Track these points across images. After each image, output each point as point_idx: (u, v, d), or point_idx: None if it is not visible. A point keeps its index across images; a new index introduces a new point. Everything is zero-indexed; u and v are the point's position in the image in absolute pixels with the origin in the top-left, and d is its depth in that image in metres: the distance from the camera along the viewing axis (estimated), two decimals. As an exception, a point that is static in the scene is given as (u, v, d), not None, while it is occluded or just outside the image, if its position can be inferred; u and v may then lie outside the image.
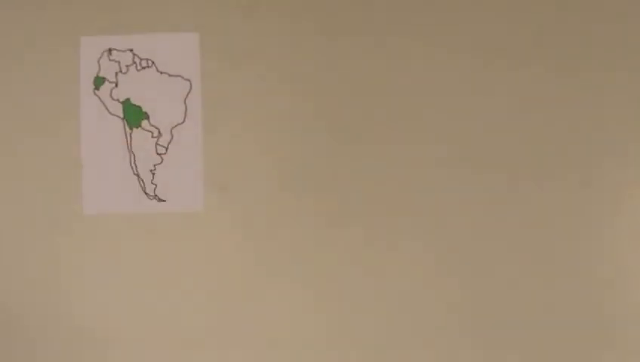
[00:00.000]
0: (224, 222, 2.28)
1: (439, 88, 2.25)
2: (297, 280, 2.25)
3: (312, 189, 2.26)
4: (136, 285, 2.28)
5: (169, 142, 2.29)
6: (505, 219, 2.23)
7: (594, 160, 2.23)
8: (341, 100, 2.27)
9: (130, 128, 2.30)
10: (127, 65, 2.30)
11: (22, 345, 2.29)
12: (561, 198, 2.22)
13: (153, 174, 2.29)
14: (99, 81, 2.31)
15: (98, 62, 2.31)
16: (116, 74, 2.30)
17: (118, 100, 2.30)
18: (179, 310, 2.27)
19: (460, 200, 2.23)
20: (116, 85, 2.30)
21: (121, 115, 2.30)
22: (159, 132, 2.29)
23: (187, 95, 2.30)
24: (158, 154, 2.29)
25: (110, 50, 2.31)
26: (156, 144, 2.29)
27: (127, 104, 2.30)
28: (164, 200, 2.29)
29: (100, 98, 2.30)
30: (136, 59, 2.30)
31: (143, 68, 2.30)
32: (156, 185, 2.29)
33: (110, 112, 2.30)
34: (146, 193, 2.29)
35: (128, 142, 2.30)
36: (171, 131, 2.29)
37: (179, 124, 2.29)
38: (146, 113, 2.30)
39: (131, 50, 2.30)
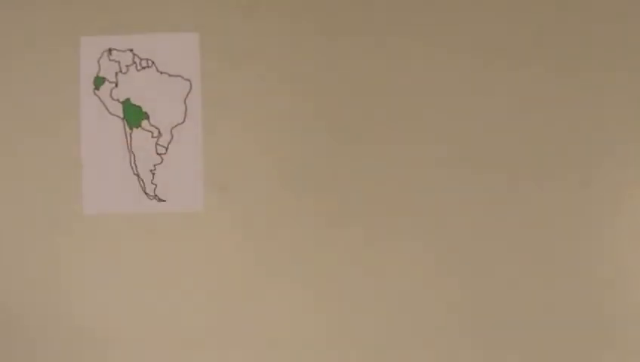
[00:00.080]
0: (224, 222, 2.28)
1: (439, 88, 2.25)
2: (297, 280, 2.25)
3: (312, 189, 2.26)
4: (136, 285, 2.28)
5: (169, 142, 2.29)
6: (505, 219, 2.23)
7: (594, 160, 2.23)
8: (341, 100, 2.27)
9: (130, 128, 2.30)
10: (127, 65, 2.30)
11: (22, 345, 2.29)
12: (561, 198, 2.22)
13: (153, 174, 2.29)
14: (99, 81, 2.31)
15: (98, 62, 2.31)
16: (116, 74, 2.30)
17: (118, 100, 2.30)
18: (179, 310, 2.27)
19: (459, 200, 2.23)
20: (116, 85, 2.30)
21: (121, 115, 2.30)
22: (159, 132, 2.29)
23: (187, 95, 2.30)
24: (158, 154, 2.29)
25: (110, 50, 2.31)
26: (156, 144, 2.29)
27: (127, 104, 2.30)
28: (164, 200, 2.29)
29: (99, 98, 2.30)
30: (136, 59, 2.30)
31: (143, 68, 2.30)
32: (156, 185, 2.29)
33: (110, 112, 2.30)
34: (146, 193, 2.29)
35: (128, 142, 2.30)
36: (171, 131, 2.29)
37: (179, 124, 2.29)
38: (146, 113, 2.30)
39: (131, 50, 2.30)
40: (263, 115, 2.28)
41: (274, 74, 2.28)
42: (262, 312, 2.25)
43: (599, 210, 2.22)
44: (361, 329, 2.24)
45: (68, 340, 2.28)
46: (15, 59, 2.32)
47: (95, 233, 2.29)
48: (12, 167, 2.31)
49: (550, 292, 2.21)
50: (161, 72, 2.30)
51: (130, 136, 2.29)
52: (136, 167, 2.29)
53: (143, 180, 2.29)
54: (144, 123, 2.29)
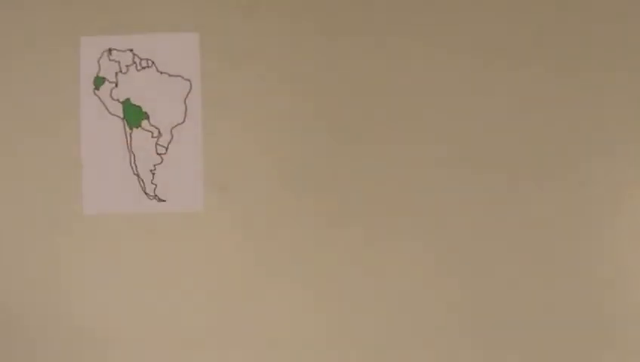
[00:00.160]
0: (224, 222, 2.28)
1: (439, 88, 2.25)
2: (297, 280, 2.25)
3: (312, 189, 2.26)
4: (136, 285, 2.28)
5: (169, 142, 2.29)
6: (505, 219, 2.23)
7: (594, 160, 2.23)
8: (341, 100, 2.27)
9: (130, 128, 2.30)
10: (127, 65, 2.30)
11: (22, 345, 2.29)
12: (561, 198, 2.22)
13: (153, 174, 2.29)
14: (99, 81, 2.31)
15: (98, 62, 2.31)
16: (116, 74, 2.30)
17: (118, 100, 2.30)
18: (179, 310, 2.27)
19: (460, 200, 2.23)
20: (116, 85, 2.30)
21: (121, 115, 2.30)
22: (159, 132, 2.29)
23: (187, 95, 2.30)
24: (158, 154, 2.29)
25: (110, 50, 2.31)
26: (156, 144, 2.29)
27: (127, 104, 2.30)
28: (164, 200, 2.29)
29: (100, 98, 2.30)
30: (136, 59, 2.30)
31: (143, 68, 2.30)
32: (156, 185, 2.29)
33: (110, 112, 2.30)
34: (146, 193, 2.29)
35: (128, 142, 2.30)
36: (171, 131, 2.29)
37: (179, 124, 2.29)
38: (146, 113, 2.30)
39: (131, 50, 2.30)
40: (263, 115, 2.28)
41: (274, 74, 2.28)
42: (262, 312, 2.25)
43: (599, 210, 2.22)
44: (361, 329, 2.24)
45: (68, 340, 2.28)
46: (15, 59, 2.32)
47: (95, 233, 2.29)
48: (12, 167, 2.31)
49: (550, 292, 2.21)
50: (161, 72, 2.30)
51: (130, 136, 2.29)
52: (136, 167, 2.29)
53: (143, 180, 2.29)
54: (144, 123, 2.29)
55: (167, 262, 2.27)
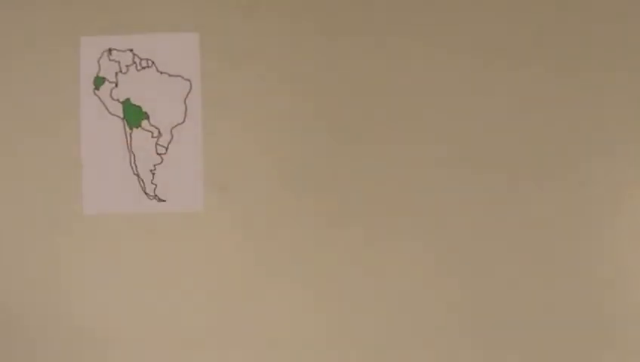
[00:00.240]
0: (224, 222, 2.28)
1: (439, 88, 2.25)
2: (297, 280, 2.25)
3: (312, 189, 2.26)
4: (136, 285, 2.28)
5: (169, 142, 2.29)
6: (505, 219, 2.23)
7: (594, 160, 2.23)
8: (341, 100, 2.27)
9: (130, 128, 2.30)
10: (127, 65, 2.30)
11: (22, 345, 2.29)
12: (561, 198, 2.22)
13: (153, 174, 2.29)
14: (99, 81, 2.31)
15: (98, 62, 2.31)
16: (116, 74, 2.30)
17: (118, 100, 2.30)
18: (179, 310, 2.27)
19: (460, 200, 2.23)
20: (116, 85, 2.30)
21: (121, 115, 2.30)
22: (159, 132, 2.29)
23: (187, 95, 2.30)
24: (158, 154, 2.29)
25: (110, 50, 2.31)
26: (156, 144, 2.29)
27: (127, 104, 2.30)
28: (164, 200, 2.29)
29: (100, 98, 2.30)
30: (136, 59, 2.30)
31: (143, 68, 2.30)
32: (156, 185, 2.29)
33: (110, 112, 2.30)
34: (146, 193, 2.29)
35: (128, 142, 2.30)
36: (171, 131, 2.29)
37: (179, 124, 2.29)
38: (146, 113, 2.30)
39: (131, 50, 2.30)
40: (263, 115, 2.28)
41: (274, 74, 2.28)
42: (262, 312, 2.25)
43: (599, 210, 2.22)
44: (361, 329, 2.24)
45: (68, 340, 2.28)
46: (15, 59, 2.32)
47: (95, 233, 2.29)
48: (12, 167, 2.31)
49: (550, 292, 2.21)
50: (161, 72, 2.30)
51: (130, 136, 2.29)
52: (136, 167, 2.29)
53: (143, 180, 2.29)
54: (144, 123, 2.29)
55: (167, 262, 2.27)
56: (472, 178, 2.23)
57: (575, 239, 2.22)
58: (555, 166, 2.23)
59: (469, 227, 2.23)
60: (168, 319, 2.27)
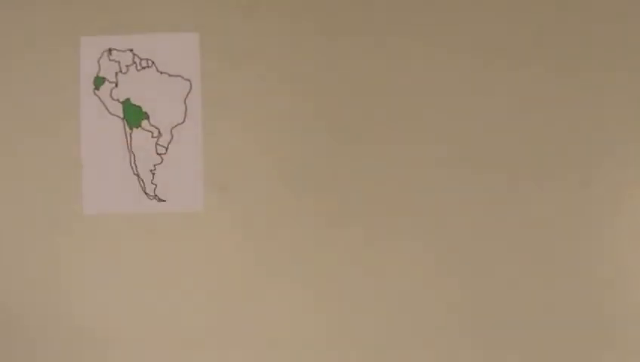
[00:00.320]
0: (224, 222, 2.28)
1: (439, 88, 2.25)
2: (297, 280, 2.25)
3: (312, 189, 2.26)
4: (136, 285, 2.28)
5: (169, 142, 2.29)
6: (505, 219, 2.23)
7: (594, 160, 2.23)
8: (341, 100, 2.27)
9: (130, 128, 2.30)
10: (127, 65, 2.30)
11: (22, 345, 2.29)
12: (561, 198, 2.22)
13: (153, 174, 2.29)
14: (99, 81, 2.31)
15: (98, 62, 2.31)
16: (116, 74, 2.30)
17: (118, 100, 2.30)
18: (179, 310, 2.27)
19: (460, 200, 2.23)
20: (116, 85, 2.30)
21: (121, 115, 2.30)
22: (159, 132, 2.29)
23: (187, 95, 2.30)
24: (158, 154, 2.29)
25: (110, 50, 2.31)
26: (156, 144, 2.29)
27: (127, 104, 2.30)
28: (164, 200, 2.29)
29: (100, 98, 2.30)
30: (136, 59, 2.30)
31: (143, 68, 2.30)
32: (156, 185, 2.29)
33: (110, 112, 2.30)
34: (146, 193, 2.29)
35: (128, 142, 2.30)
36: (171, 131, 2.29)
37: (179, 124, 2.29)
38: (146, 113, 2.30)
39: (131, 50, 2.30)
40: (263, 115, 2.28)
41: (274, 74, 2.28)
42: (262, 312, 2.25)
43: (599, 210, 2.22)
44: (361, 329, 2.24)
45: (68, 340, 2.28)
46: (15, 59, 2.32)
47: (95, 233, 2.29)
48: (12, 167, 2.31)
49: (550, 292, 2.21)
50: (161, 72, 2.30)
51: (130, 136, 2.29)
52: (136, 167, 2.29)
53: (143, 180, 2.29)
54: (144, 123, 2.29)
55: (167, 262, 2.27)
56: (472, 178, 2.23)
57: (575, 239, 2.22)
58: (555, 166, 2.23)
59: (469, 227, 2.23)
60: (168, 319, 2.27)
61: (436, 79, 2.25)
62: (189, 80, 2.30)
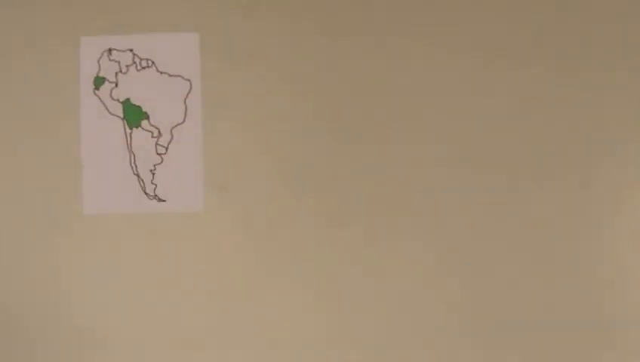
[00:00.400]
0: (224, 222, 2.28)
1: (439, 88, 2.25)
2: (297, 280, 2.25)
3: (312, 189, 2.26)
4: (136, 285, 2.28)
5: (169, 142, 2.29)
6: (505, 219, 2.23)
7: (594, 160, 2.23)
8: (341, 100, 2.27)
9: (130, 128, 2.30)
10: (127, 65, 2.30)
11: (22, 345, 2.29)
12: (561, 198, 2.22)
13: (153, 174, 2.29)
14: (99, 81, 2.31)
15: (98, 62, 2.31)
16: (116, 74, 2.30)
17: (118, 100, 2.30)
18: (179, 310, 2.27)
19: (460, 200, 2.23)
20: (116, 85, 2.30)
21: (121, 115, 2.30)
22: (159, 132, 2.29)
23: (187, 95, 2.30)
24: (158, 154, 2.29)
25: (110, 50, 2.31)
26: (156, 144, 2.29)
27: (127, 104, 2.30)
28: (164, 200, 2.29)
29: (100, 98, 2.30)
30: (136, 59, 2.30)
31: (143, 68, 2.30)
32: (156, 185, 2.29)
33: (110, 112, 2.30)
34: (146, 193, 2.29)
35: (128, 142, 2.30)
36: (171, 131, 2.29)
37: (179, 124, 2.29)
38: (146, 113, 2.30)
39: (131, 50, 2.30)
40: (263, 115, 2.28)
41: (274, 74, 2.28)
42: (262, 312, 2.25)
43: (599, 210, 2.22)
44: (361, 329, 2.24)
45: (68, 340, 2.28)
46: (15, 59, 2.32)
47: (95, 233, 2.29)
48: (12, 167, 2.31)
49: (550, 292, 2.21)
50: (161, 72, 2.30)
51: (130, 136, 2.29)
52: (136, 167, 2.29)
53: (143, 180, 2.29)
54: (144, 123, 2.29)
55: (167, 262, 2.27)
56: (472, 178, 2.23)
57: (575, 239, 2.22)
58: (555, 166, 2.23)
59: (469, 227, 2.23)
60: (168, 319, 2.27)
61: (436, 79, 2.25)
62: (189, 80, 2.30)
